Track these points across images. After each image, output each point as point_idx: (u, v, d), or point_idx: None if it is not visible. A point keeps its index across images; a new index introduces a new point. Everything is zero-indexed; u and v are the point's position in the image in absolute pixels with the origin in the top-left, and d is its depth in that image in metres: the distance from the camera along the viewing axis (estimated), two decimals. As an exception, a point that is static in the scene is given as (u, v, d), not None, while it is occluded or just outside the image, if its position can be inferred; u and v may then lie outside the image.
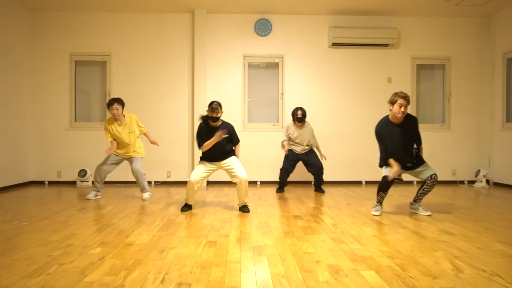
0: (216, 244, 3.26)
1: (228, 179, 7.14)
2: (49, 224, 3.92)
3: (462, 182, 7.32)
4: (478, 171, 7.02)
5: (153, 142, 5.57)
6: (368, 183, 7.26)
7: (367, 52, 7.23)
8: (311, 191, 6.37)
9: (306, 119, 6.36)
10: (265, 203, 5.26)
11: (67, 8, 6.90)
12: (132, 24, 7.10)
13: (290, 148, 6.11)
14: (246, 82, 7.25)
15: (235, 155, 4.78)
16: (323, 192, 6.16)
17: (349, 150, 7.27)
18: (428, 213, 4.45)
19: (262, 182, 7.20)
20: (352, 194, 6.00)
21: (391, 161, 4.27)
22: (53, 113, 7.08)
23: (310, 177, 7.21)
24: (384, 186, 4.36)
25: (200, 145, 4.58)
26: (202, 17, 6.97)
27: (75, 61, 7.11)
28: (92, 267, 2.68)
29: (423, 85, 7.46)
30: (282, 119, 7.21)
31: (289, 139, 6.12)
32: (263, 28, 7.13)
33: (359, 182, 7.27)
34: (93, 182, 5.45)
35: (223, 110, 4.78)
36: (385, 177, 4.32)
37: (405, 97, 4.18)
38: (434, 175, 4.29)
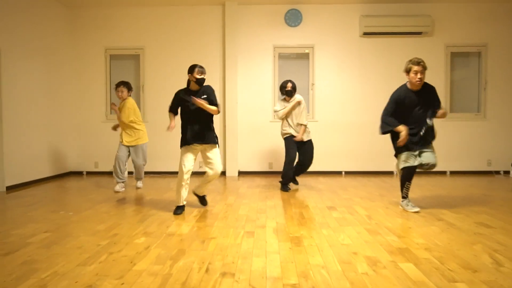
0: (254, 235, 3.36)
1: (259, 169, 7.26)
2: (94, 214, 4.12)
3: (498, 172, 7.17)
4: (516, 161, 6.85)
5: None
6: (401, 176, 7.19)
7: (400, 41, 7.12)
8: (343, 181, 6.39)
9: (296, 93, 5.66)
10: (298, 193, 5.33)
11: (102, 4, 7.09)
12: (164, 17, 7.23)
13: (288, 133, 5.56)
14: (277, 73, 7.28)
15: (216, 140, 4.28)
16: (297, 183, 5.85)
17: (382, 140, 7.18)
18: (417, 209, 4.23)
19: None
20: (385, 185, 5.98)
21: (401, 127, 4.11)
22: (90, 106, 7.34)
23: (339, 166, 7.23)
24: (407, 175, 4.22)
25: (170, 108, 4.35)
26: (233, 8, 7.02)
27: (110, 55, 7.32)
28: (139, 256, 2.83)
29: (458, 73, 7.29)
30: (312, 109, 7.22)
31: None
32: (293, 18, 7.11)
33: (391, 173, 7.23)
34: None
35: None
36: (405, 168, 4.19)
37: (419, 63, 4.02)
38: (433, 165, 4.14)
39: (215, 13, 7.18)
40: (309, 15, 7.16)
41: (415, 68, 4.04)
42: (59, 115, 6.97)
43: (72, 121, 7.34)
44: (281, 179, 5.65)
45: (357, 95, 7.20)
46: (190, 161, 4.17)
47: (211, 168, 4.24)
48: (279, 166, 7.26)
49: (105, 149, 7.31)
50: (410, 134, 4.13)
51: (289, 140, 5.54)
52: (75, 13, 7.24)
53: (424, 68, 4.05)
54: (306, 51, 7.25)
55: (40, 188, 5.88)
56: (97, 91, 7.31)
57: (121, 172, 5.52)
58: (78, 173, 7.39)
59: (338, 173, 7.25)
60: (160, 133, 7.15)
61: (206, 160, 4.26)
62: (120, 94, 5.49)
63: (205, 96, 4.17)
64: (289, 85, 5.51)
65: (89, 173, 7.39)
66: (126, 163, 5.60)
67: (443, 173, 7.18)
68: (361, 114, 7.19)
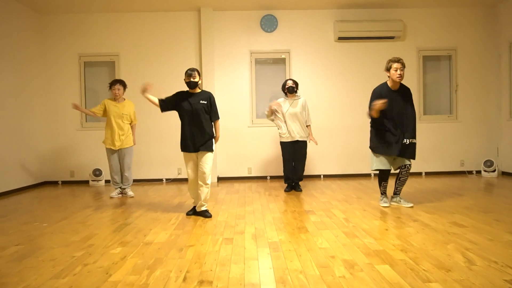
0: (232, 241, 3.35)
1: (238, 174, 7.25)
2: (69, 225, 4.03)
3: (470, 172, 7.36)
4: (490, 162, 7.00)
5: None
6: (377, 176, 7.30)
7: (373, 45, 7.25)
8: (321, 185, 6.44)
9: (300, 93, 5.99)
10: (277, 198, 5.34)
11: (74, 10, 6.96)
12: (139, 23, 7.16)
13: (282, 139, 5.73)
14: (254, 78, 7.31)
15: (213, 141, 4.37)
16: (300, 190, 5.82)
17: (358, 143, 7.31)
18: (410, 204, 4.56)
19: (272, 177, 7.28)
20: (362, 188, 6.06)
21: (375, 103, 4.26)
22: (64, 114, 7.18)
23: (317, 170, 7.30)
24: (382, 176, 4.63)
25: (161, 103, 4.59)
26: (208, 14, 7.01)
27: (84, 62, 7.20)
28: (115, 266, 2.78)
29: (430, 76, 7.48)
30: (290, 114, 7.26)
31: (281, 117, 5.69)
32: (269, 24, 7.16)
33: (368, 175, 7.33)
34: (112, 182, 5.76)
35: (201, 77, 4.47)
36: (380, 171, 4.58)
37: (399, 60, 4.31)
38: (409, 165, 4.47)
39: (190, 19, 7.16)
40: (284, 20, 7.22)
41: (395, 65, 4.32)
42: (32, 124, 6.80)
43: (46, 130, 7.17)
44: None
45: (333, 99, 7.29)
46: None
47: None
48: (258, 171, 7.29)
49: (81, 158, 7.17)
50: (389, 131, 4.38)
51: (282, 145, 5.81)
52: (46, 19, 7.09)
53: (403, 65, 4.33)
54: (283, 56, 7.31)
55: (13, 199, 5.72)
56: (71, 99, 7.15)
57: (119, 181, 5.71)
58: (53, 183, 7.22)
59: (317, 176, 7.31)
60: (137, 141, 7.06)
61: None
62: (117, 92, 5.56)
63: (204, 102, 4.34)
64: (289, 82, 5.72)
65: (65, 183, 7.23)
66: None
67: (419, 174, 7.33)
68: (337, 118, 7.28)
